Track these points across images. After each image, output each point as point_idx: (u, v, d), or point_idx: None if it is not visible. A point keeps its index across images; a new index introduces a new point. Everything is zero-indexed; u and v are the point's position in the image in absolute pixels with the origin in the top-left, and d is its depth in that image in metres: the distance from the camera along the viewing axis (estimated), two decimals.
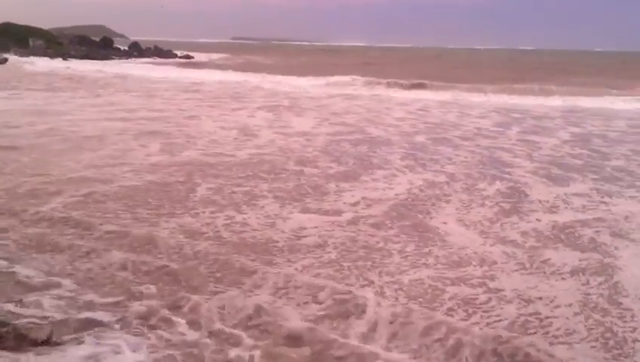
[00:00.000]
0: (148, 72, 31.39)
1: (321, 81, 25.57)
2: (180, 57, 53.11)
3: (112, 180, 7.27)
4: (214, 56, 59.80)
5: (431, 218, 6.07)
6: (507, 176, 8.03)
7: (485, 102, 19.22)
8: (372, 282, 4.42)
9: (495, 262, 4.86)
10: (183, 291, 4.14)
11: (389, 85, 23.57)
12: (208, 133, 11.10)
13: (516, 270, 4.73)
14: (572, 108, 17.73)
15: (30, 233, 5.25)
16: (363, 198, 6.76)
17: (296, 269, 4.66)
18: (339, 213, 6.23)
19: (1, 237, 5.16)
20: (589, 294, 4.29)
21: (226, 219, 5.87)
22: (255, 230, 5.59)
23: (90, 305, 3.87)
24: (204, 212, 6.09)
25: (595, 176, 8.02)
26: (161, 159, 8.59)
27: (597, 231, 5.69)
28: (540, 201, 6.80)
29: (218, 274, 4.50)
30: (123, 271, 4.48)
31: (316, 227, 5.70)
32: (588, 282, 4.52)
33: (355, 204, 6.55)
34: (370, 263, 4.83)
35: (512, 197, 6.95)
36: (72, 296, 4.00)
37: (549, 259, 5.00)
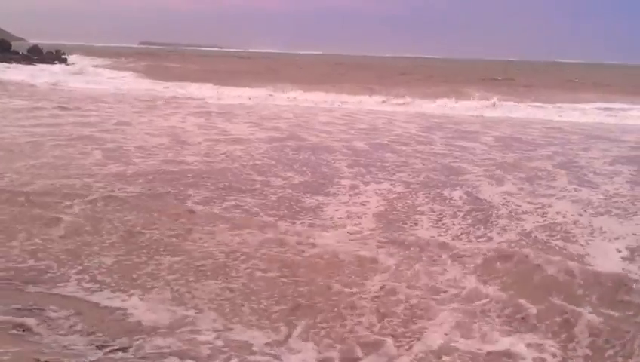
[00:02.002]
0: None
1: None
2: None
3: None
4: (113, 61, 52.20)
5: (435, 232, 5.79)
6: (465, 181, 7.97)
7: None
8: None
9: None
10: None
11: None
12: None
13: None
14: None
15: None
16: (348, 212, 6.32)
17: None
18: (344, 226, 5.79)
19: None
20: None
21: (265, 244, 5.12)
22: (317, 254, 4.90)
23: None
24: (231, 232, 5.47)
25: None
26: (118, 170, 7.98)
27: None
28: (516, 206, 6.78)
29: None
30: None
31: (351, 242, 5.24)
32: None
33: (350, 217, 6.14)
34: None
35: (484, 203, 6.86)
36: None
37: None
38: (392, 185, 7.82)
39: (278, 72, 41.52)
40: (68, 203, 6.22)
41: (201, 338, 3.53)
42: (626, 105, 20.24)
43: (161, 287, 4.27)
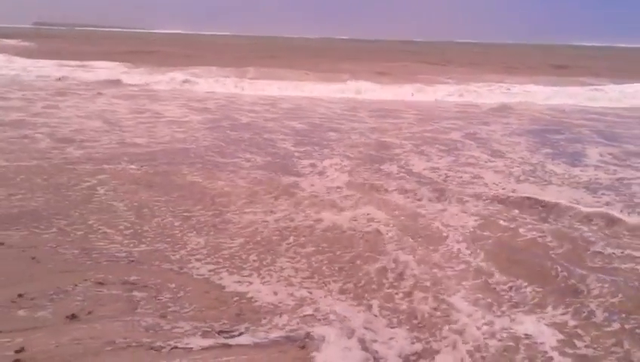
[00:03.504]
0: None
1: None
2: None
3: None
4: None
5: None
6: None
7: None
8: None
9: None
10: None
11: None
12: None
13: None
14: None
15: None
16: (328, 188, 6.69)
17: None
18: (333, 201, 6.16)
19: None
20: None
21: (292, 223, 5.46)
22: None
23: None
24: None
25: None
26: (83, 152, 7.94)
27: None
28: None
29: None
30: None
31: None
32: None
33: (330, 192, 6.49)
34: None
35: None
36: None
37: None
38: (341, 160, 8.18)
39: (192, 54, 39.29)
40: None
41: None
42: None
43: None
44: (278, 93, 17.48)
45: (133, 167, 7.47)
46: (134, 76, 20.46)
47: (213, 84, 19.18)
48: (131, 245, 4.83)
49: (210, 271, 4.37)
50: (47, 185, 6.50)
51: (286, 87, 18.77)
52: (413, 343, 3.42)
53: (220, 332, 3.44)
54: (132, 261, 4.50)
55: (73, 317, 3.55)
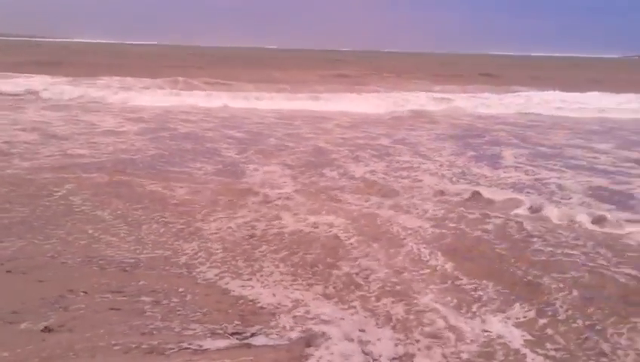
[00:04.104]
0: None
1: None
2: None
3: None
4: None
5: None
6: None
7: None
8: None
9: None
10: None
11: None
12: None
13: None
14: None
15: None
16: (285, 194, 6.83)
17: None
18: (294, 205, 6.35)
19: None
20: None
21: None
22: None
23: None
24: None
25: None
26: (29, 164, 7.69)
27: None
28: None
29: None
30: None
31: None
32: None
33: (290, 198, 6.66)
34: None
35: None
36: None
37: None
38: (283, 168, 8.28)
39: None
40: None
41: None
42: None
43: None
44: (210, 103, 17.20)
45: (94, 175, 7.36)
46: (59, 87, 19.14)
47: (145, 94, 18.61)
48: (137, 251, 4.81)
49: (216, 275, 4.38)
50: (18, 195, 6.27)
51: (218, 96, 18.51)
52: (396, 345, 3.45)
53: (232, 334, 3.47)
54: (140, 266, 4.49)
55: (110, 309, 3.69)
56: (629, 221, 6.05)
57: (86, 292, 3.98)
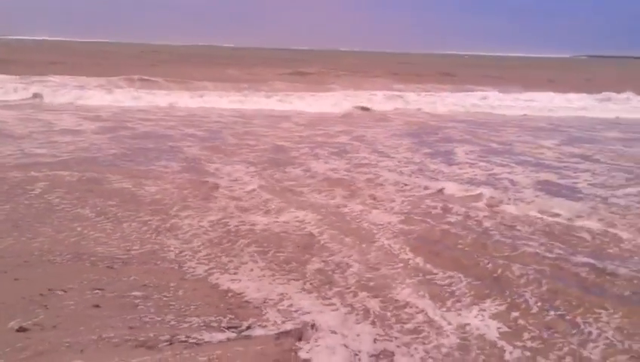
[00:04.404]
0: None
1: None
2: None
3: None
4: None
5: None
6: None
7: None
8: None
9: None
10: None
11: None
12: None
13: None
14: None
15: None
16: (250, 191, 6.90)
17: None
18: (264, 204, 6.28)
19: None
20: None
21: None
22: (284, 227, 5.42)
23: None
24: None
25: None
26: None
27: None
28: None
29: None
30: None
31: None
32: None
33: (256, 196, 6.69)
34: None
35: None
36: None
37: None
38: (247, 166, 8.35)
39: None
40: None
41: None
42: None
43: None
44: (168, 102, 17.00)
45: (64, 173, 7.26)
46: (10, 85, 18.26)
47: (100, 92, 18.11)
48: (124, 248, 4.81)
49: (206, 271, 4.43)
50: None
51: (175, 95, 18.26)
52: (375, 341, 3.47)
53: (228, 328, 3.51)
54: (132, 262, 4.52)
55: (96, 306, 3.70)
56: (579, 214, 6.30)
57: (73, 289, 3.97)
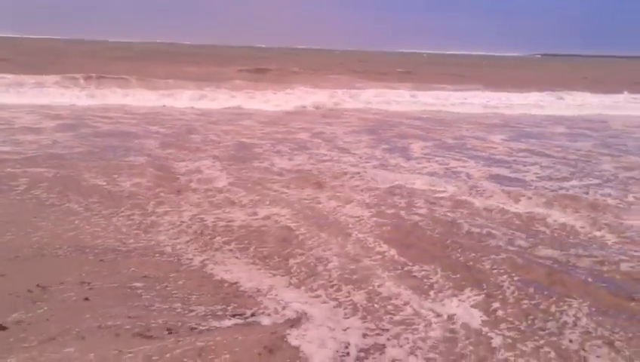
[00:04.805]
0: None
1: None
2: None
3: None
4: None
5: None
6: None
7: None
8: None
9: None
10: None
11: None
12: None
13: None
14: None
15: None
16: (222, 188, 6.97)
17: None
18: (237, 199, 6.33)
19: None
20: None
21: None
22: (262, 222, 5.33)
23: None
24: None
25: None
26: None
27: None
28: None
29: None
30: None
31: None
32: None
33: (225, 191, 6.74)
34: None
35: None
36: None
37: None
38: (213, 161, 8.49)
39: None
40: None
41: None
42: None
43: None
44: (128, 100, 16.87)
45: (41, 170, 7.26)
46: None
47: (58, 90, 17.97)
48: (124, 239, 4.98)
49: (201, 261, 4.55)
50: None
51: (134, 93, 18.17)
52: (365, 336, 3.50)
53: (234, 316, 3.63)
54: (135, 253, 4.68)
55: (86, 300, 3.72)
56: (535, 205, 6.59)
57: (77, 280, 4.09)
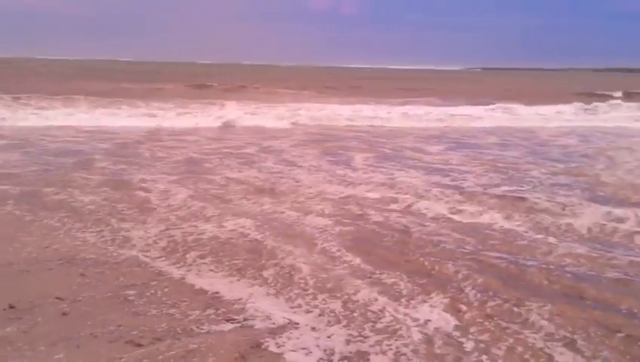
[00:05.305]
0: None
1: None
2: None
3: None
4: None
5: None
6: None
7: None
8: None
9: None
10: None
11: None
12: None
13: None
14: None
15: None
16: (181, 200, 7.04)
17: None
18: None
19: None
20: None
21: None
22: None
23: None
24: None
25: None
26: None
27: None
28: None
29: None
30: None
31: None
32: None
33: (184, 206, 6.78)
34: None
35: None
36: None
37: None
38: (167, 175, 8.66)
39: None
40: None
41: None
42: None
43: None
44: (68, 121, 16.50)
45: (6, 187, 7.18)
46: None
47: None
48: (109, 251, 5.13)
49: (183, 275, 4.60)
50: None
51: (75, 113, 17.86)
52: (348, 342, 3.56)
53: (228, 320, 3.75)
54: (121, 263, 4.79)
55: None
56: (479, 211, 6.93)
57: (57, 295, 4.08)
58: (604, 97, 30.53)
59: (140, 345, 3.34)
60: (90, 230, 5.72)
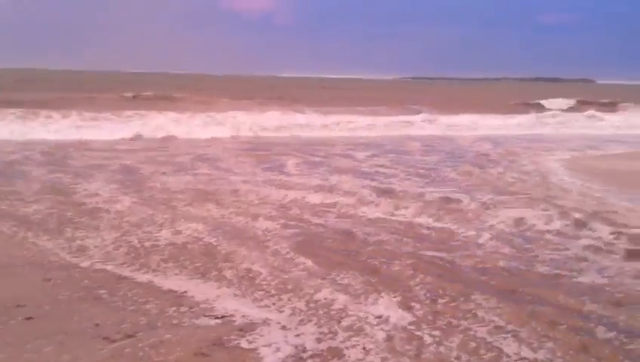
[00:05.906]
0: None
1: None
2: None
3: None
4: None
5: None
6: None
7: None
8: None
9: None
10: None
11: None
12: None
13: None
14: None
15: None
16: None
17: None
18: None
19: None
20: None
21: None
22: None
23: None
24: None
25: None
26: None
27: None
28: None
29: None
30: None
31: None
32: None
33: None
34: None
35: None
36: None
37: None
38: (107, 183, 8.71)
39: None
40: None
41: None
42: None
43: None
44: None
45: None
46: None
47: None
48: (86, 258, 5.21)
49: (150, 278, 4.70)
50: None
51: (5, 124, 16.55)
52: (319, 341, 3.62)
53: (217, 317, 3.88)
54: (103, 271, 4.89)
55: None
56: (415, 213, 7.23)
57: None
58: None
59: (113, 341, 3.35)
60: (40, 238, 5.82)
